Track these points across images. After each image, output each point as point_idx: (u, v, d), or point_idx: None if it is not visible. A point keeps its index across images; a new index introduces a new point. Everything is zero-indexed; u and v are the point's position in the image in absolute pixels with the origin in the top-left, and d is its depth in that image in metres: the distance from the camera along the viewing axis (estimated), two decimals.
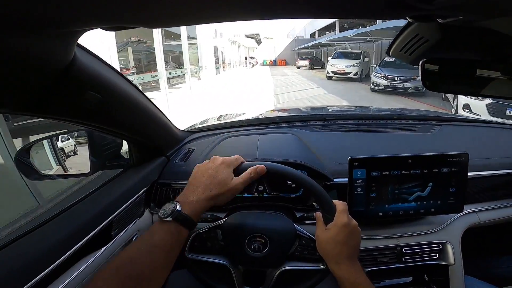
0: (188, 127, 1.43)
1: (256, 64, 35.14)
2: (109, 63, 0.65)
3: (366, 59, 15.87)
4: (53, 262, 0.56)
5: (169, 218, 0.51)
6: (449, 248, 0.82)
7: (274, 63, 41.09)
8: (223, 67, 20.90)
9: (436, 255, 0.83)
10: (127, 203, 0.79)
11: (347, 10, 0.40)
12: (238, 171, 0.62)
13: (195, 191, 0.56)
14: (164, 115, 0.99)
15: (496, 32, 0.43)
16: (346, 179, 0.79)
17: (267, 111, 1.84)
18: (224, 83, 15.51)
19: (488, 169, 0.94)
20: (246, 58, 35.53)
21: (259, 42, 41.05)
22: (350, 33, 15.63)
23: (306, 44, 33.15)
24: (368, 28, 14.32)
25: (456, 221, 0.87)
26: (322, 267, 0.70)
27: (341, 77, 14.71)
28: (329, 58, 17.02)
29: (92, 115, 0.66)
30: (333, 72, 15.11)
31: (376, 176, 0.79)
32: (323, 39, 24.37)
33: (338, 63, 14.92)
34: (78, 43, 0.50)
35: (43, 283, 0.54)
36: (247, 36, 33.63)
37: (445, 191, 0.80)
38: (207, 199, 0.56)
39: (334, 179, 0.89)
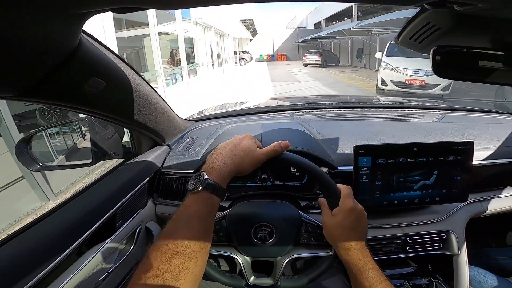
0: (189, 117, 1.41)
1: (251, 60, 27.28)
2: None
3: None
4: (59, 254, 0.56)
5: (199, 188, 0.51)
6: (453, 237, 0.82)
7: (272, 58, 34.76)
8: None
9: (440, 245, 0.83)
10: (130, 194, 0.78)
11: None
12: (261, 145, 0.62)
13: (220, 156, 0.56)
14: (166, 103, 0.97)
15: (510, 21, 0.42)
16: (351, 167, 0.78)
17: (269, 99, 1.82)
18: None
19: (492, 158, 0.93)
20: (236, 53, 26.45)
21: (254, 33, 33.93)
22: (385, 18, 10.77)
23: (318, 34, 25.28)
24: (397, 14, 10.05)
25: (460, 210, 0.87)
26: (330, 253, 0.70)
27: (414, 92, 7.40)
28: (379, 53, 9.52)
29: (96, 102, 0.64)
30: (396, 83, 7.69)
31: (381, 164, 0.78)
32: (351, 25, 15.71)
33: (404, 65, 7.56)
34: (83, 30, 0.49)
35: (51, 276, 0.54)
36: (240, 22, 23.76)
37: (450, 179, 0.79)
38: (232, 165, 0.55)
39: (339, 167, 0.88)
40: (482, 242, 0.99)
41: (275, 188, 0.89)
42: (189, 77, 10.29)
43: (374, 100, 1.72)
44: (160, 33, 7.49)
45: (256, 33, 34.03)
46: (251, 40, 34.56)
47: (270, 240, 0.70)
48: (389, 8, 15.31)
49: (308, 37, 27.25)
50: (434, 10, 0.46)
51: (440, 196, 0.80)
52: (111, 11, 0.40)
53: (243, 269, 0.72)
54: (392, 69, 7.79)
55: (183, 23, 9.58)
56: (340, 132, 1.05)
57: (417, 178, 0.79)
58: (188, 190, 0.53)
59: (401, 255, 0.82)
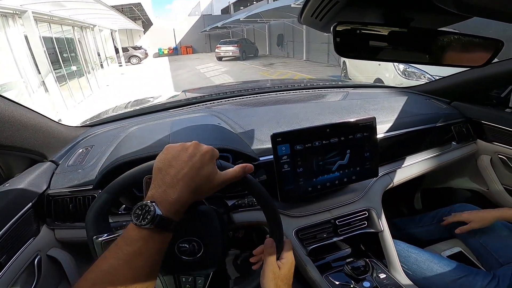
0: (83, 122, 1.17)
1: (146, 56, 19.83)
2: None
3: None
4: None
5: (149, 225, 0.41)
6: (374, 214, 0.89)
7: (175, 51, 27.13)
8: None
9: (365, 223, 0.89)
10: (8, 224, 0.68)
11: None
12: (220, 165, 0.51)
13: (176, 185, 0.44)
14: (40, 114, 0.82)
15: None
16: (272, 157, 0.76)
17: (182, 92, 1.65)
18: None
19: (392, 130, 1.04)
20: (119, 51, 17.34)
21: (147, 24, 26.30)
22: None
23: (233, 19, 19.45)
24: None
25: (374, 186, 0.94)
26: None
27: None
28: None
29: None
30: None
31: (300, 150, 0.78)
32: (291, 1, 9.90)
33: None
34: None
35: None
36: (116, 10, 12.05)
37: (361, 156, 0.84)
38: (190, 195, 0.45)
39: (260, 158, 0.85)
40: (396, 212, 1.11)
41: None
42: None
43: (286, 83, 1.76)
44: None
45: (151, 24, 26.60)
46: (144, 32, 26.72)
47: (199, 254, 0.62)
48: None
49: (219, 24, 21.41)
50: None
51: (355, 175, 0.85)
52: None
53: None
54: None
55: None
56: (257, 120, 1.01)
57: (333, 159, 0.81)
58: (133, 223, 0.42)
59: (335, 239, 0.85)
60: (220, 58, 16.88)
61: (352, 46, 0.54)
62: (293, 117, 1.03)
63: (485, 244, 0.93)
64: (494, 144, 1.16)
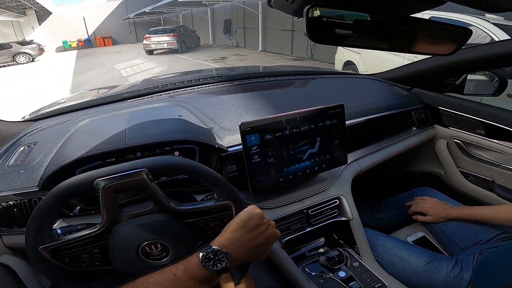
0: (27, 116, 1.03)
1: (41, 52, 14.71)
2: None
3: None
4: None
5: (216, 272, 0.45)
6: (345, 202, 0.89)
7: (88, 44, 21.71)
8: None
9: (336, 211, 0.89)
10: None
11: None
12: None
13: (248, 248, 0.49)
14: None
15: None
16: (241, 147, 0.73)
17: (142, 80, 1.52)
18: None
19: (358, 116, 1.05)
20: None
21: (43, 13, 20.76)
22: None
23: (165, 1, 14.24)
24: None
25: (343, 173, 0.95)
26: None
27: None
28: None
29: None
30: None
31: (270, 140, 0.75)
32: None
33: None
34: None
35: None
36: None
37: (331, 144, 0.84)
38: (244, 259, 0.50)
39: (229, 149, 0.81)
40: (363, 199, 1.14)
41: (163, 186, 0.73)
42: None
43: (254, 70, 1.71)
44: None
45: (49, 13, 20.88)
46: (40, 23, 21.13)
47: (167, 257, 0.56)
48: None
49: (147, 8, 16.23)
50: None
51: (326, 163, 0.85)
52: None
53: None
54: None
55: None
56: (225, 109, 0.97)
57: (304, 148, 0.80)
58: (201, 261, 0.45)
59: (308, 229, 0.85)
60: (151, 52, 13.04)
61: (326, 31, 0.52)
62: (262, 106, 1.00)
63: (444, 229, 0.99)
64: (450, 128, 1.24)
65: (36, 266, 0.50)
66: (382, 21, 0.50)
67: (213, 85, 1.20)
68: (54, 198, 0.49)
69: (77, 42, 21.27)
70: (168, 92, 1.13)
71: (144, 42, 12.87)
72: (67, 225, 0.67)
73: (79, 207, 0.72)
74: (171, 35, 12.78)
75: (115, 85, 1.48)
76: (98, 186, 0.48)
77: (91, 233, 0.51)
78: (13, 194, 0.69)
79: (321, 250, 0.86)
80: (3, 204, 0.69)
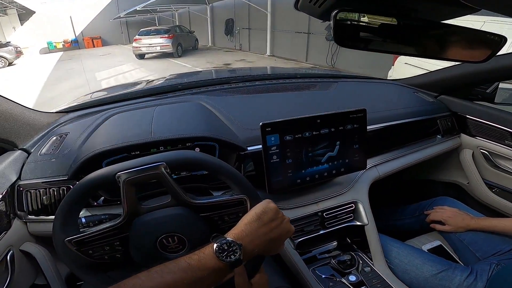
0: (60, 108, 1.09)
1: (19, 55, 13.04)
2: None
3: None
4: None
5: (228, 263, 0.45)
6: (361, 207, 0.88)
7: (75, 45, 19.77)
8: None
9: (351, 216, 0.89)
10: None
11: None
12: None
13: (262, 242, 0.50)
14: (8, 100, 0.78)
15: None
16: (260, 146, 0.74)
17: (166, 78, 1.58)
18: None
19: (380, 122, 1.03)
20: None
21: (26, 12, 18.73)
22: None
23: None
24: None
25: (361, 178, 0.94)
26: None
27: None
28: None
29: None
30: None
31: (289, 141, 0.76)
32: None
33: None
34: None
35: None
36: None
37: (351, 148, 0.83)
38: (258, 252, 0.50)
39: (248, 148, 0.82)
40: (379, 204, 1.11)
41: (181, 181, 0.76)
42: None
43: (275, 72, 1.72)
44: None
45: (32, 12, 19.04)
46: (22, 23, 19.21)
47: (184, 249, 0.58)
48: None
49: (139, 6, 13.83)
50: None
51: (344, 167, 0.84)
52: None
53: None
54: None
55: None
56: (246, 109, 0.98)
57: (323, 150, 0.80)
58: (215, 252, 0.45)
59: (321, 232, 0.85)
60: (141, 56, 11.24)
61: (353, 35, 0.52)
62: (283, 107, 1.00)
63: (461, 239, 0.96)
64: (477, 138, 1.18)
65: (63, 258, 0.53)
66: (411, 25, 0.49)
67: (235, 85, 1.22)
68: (79, 191, 0.52)
69: (63, 43, 19.39)
70: (191, 89, 1.17)
71: (134, 44, 11.11)
72: (90, 214, 0.70)
73: (103, 197, 0.76)
74: (165, 37, 10.95)
75: (146, 80, 1.53)
76: (119, 179, 0.51)
77: (113, 225, 0.53)
78: (42, 182, 0.73)
79: (333, 253, 0.86)
80: (32, 191, 0.73)
